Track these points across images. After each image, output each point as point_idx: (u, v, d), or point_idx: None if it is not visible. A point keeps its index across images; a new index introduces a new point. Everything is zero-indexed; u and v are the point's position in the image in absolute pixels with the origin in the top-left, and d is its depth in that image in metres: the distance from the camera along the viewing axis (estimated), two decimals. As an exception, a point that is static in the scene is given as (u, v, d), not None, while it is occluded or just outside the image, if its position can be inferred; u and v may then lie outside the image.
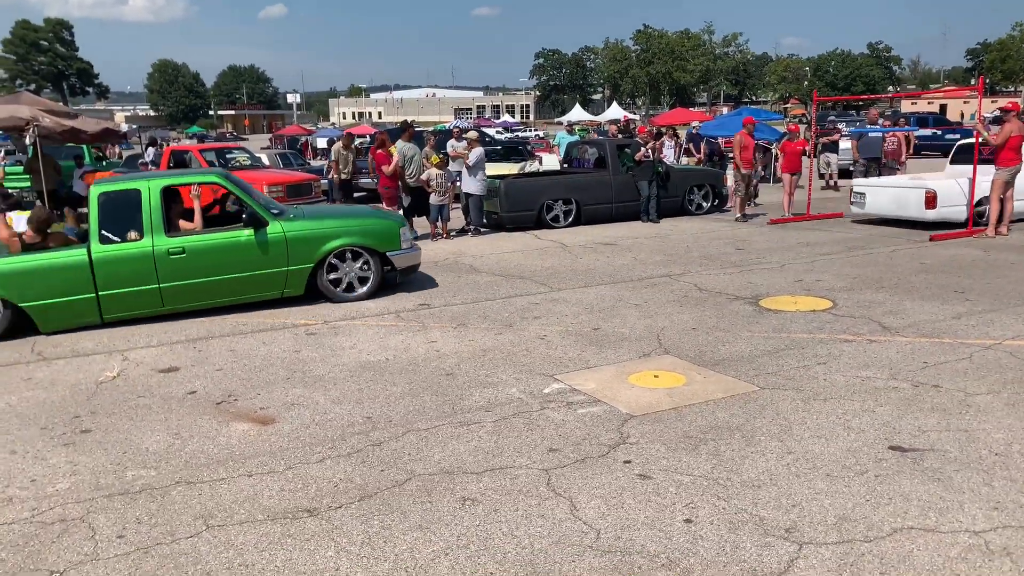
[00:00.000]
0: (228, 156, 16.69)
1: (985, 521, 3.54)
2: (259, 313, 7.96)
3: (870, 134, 16.57)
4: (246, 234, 8.00)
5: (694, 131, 19.73)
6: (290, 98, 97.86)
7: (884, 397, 5.10)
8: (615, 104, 76.25)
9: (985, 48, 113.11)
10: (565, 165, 16.31)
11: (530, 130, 58.94)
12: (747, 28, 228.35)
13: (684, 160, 19.17)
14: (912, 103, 65.02)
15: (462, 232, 13.22)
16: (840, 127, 21.65)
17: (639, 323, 7.17)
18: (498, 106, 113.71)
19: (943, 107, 57.22)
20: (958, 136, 28.12)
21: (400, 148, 12.31)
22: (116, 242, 7.64)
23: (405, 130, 12.87)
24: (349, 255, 8.41)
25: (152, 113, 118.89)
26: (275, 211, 8.32)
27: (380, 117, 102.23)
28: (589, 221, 13.86)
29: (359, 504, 3.88)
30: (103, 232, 7.59)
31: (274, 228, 8.07)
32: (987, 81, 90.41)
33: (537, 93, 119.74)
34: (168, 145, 20.57)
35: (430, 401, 5.27)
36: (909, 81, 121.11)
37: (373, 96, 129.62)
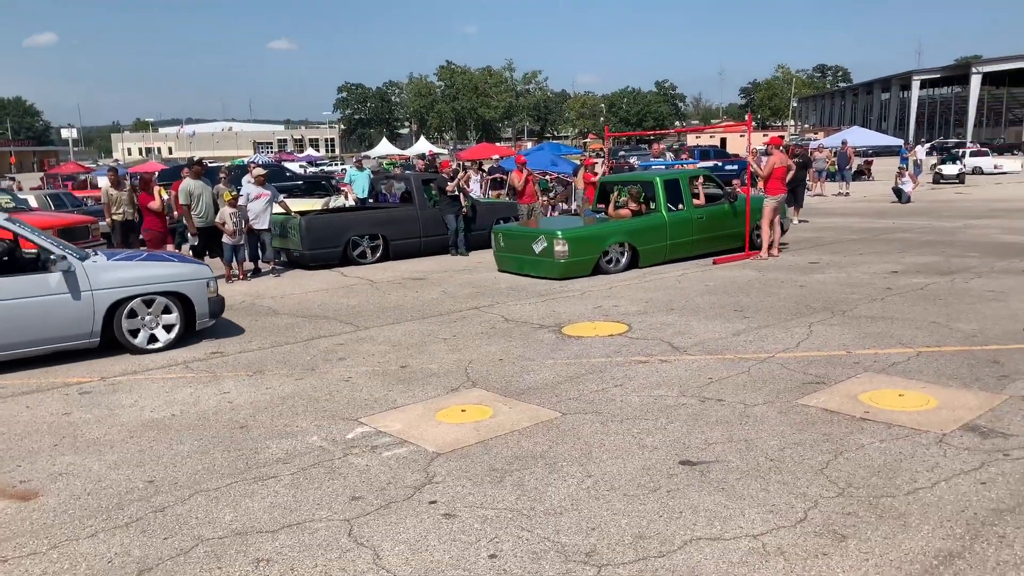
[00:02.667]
0: (-13, 198, 14.91)
1: (762, 524, 3.79)
2: (23, 373, 7.10)
3: (654, 167, 17.84)
4: (727, 208, 12.84)
5: (494, 166, 20.33)
6: (64, 133, 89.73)
7: (675, 414, 5.39)
8: (423, 138, 77.11)
9: (755, 87, 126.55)
10: (370, 200, 16.16)
11: (337, 163, 58.00)
12: (545, 66, 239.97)
13: (491, 194, 19.62)
14: (696, 137, 70.95)
15: (257, 272, 12.63)
16: (631, 161, 23.13)
17: (448, 357, 7.14)
18: (301, 139, 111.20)
19: (723, 140, 62.91)
20: (736, 167, 31.02)
21: (185, 186, 11.59)
22: (672, 211, 12.18)
23: (192, 167, 12.16)
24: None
25: None
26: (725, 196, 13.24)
27: (171, 152, 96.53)
28: (397, 256, 13.77)
29: (137, 581, 3.50)
30: (668, 204, 12.15)
31: (736, 205, 12.93)
32: (757, 117, 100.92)
33: (342, 127, 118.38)
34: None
35: (221, 458, 4.90)
36: (693, 116, 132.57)
37: (162, 131, 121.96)
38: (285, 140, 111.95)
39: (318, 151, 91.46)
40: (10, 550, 3.81)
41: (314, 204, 17.29)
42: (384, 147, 70.16)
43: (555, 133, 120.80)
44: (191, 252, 12.17)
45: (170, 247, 11.49)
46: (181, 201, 11.57)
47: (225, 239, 11.66)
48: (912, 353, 6.67)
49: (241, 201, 12.07)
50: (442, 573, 3.46)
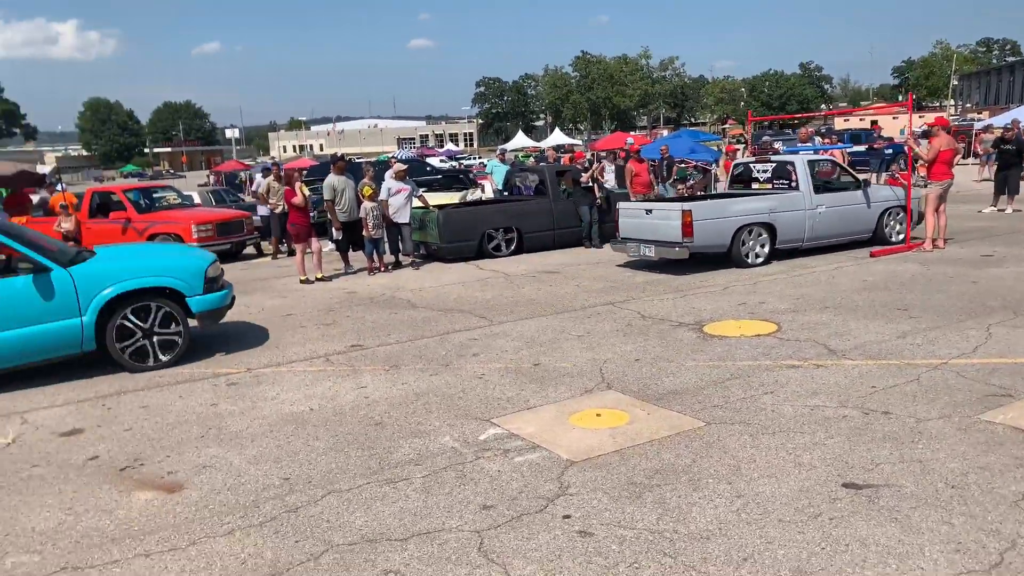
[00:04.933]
0: (155, 196, 16.03)
1: (948, 566, 3.29)
2: (180, 364, 7.43)
3: (801, 152, 16.72)
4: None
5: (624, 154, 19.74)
6: (228, 133, 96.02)
7: (834, 427, 4.87)
8: (558, 130, 76.99)
9: (909, 66, 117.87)
10: (505, 193, 16.10)
11: (474, 158, 58.82)
12: (682, 52, 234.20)
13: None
14: (845, 120, 66.81)
15: (398, 265, 12.84)
16: (776, 146, 21.94)
17: (581, 356, 6.88)
18: (441, 135, 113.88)
19: (874, 123, 58.85)
20: (889, 151, 28.85)
21: (329, 181, 11.91)
22: None
23: (335, 163, 12.50)
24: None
25: (84, 153, 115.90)
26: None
27: (321, 149, 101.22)
28: (531, 249, 13.62)
29: (269, 584, 3.46)
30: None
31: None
32: (913, 98, 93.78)
33: (480, 121, 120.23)
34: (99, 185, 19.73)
35: (355, 456, 4.86)
36: (840, 99, 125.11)
37: (314, 128, 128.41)
38: (427, 135, 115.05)
39: (457, 145, 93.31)
40: (153, 544, 3.89)
41: (452, 198, 17.46)
42: (520, 139, 70.57)
43: (692, 120, 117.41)
44: (335, 246, 12.52)
45: (315, 242, 11.82)
46: (325, 196, 11.90)
47: (364, 233, 11.92)
48: (1120, 363, 5.77)
49: (382, 195, 12.31)
50: (577, 598, 3.21)
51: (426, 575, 3.45)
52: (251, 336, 8.41)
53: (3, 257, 6.91)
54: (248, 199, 20.45)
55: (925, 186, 11.96)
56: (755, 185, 12.26)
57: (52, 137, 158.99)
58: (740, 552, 3.48)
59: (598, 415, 5.38)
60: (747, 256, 10.99)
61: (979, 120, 46.04)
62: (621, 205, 12.00)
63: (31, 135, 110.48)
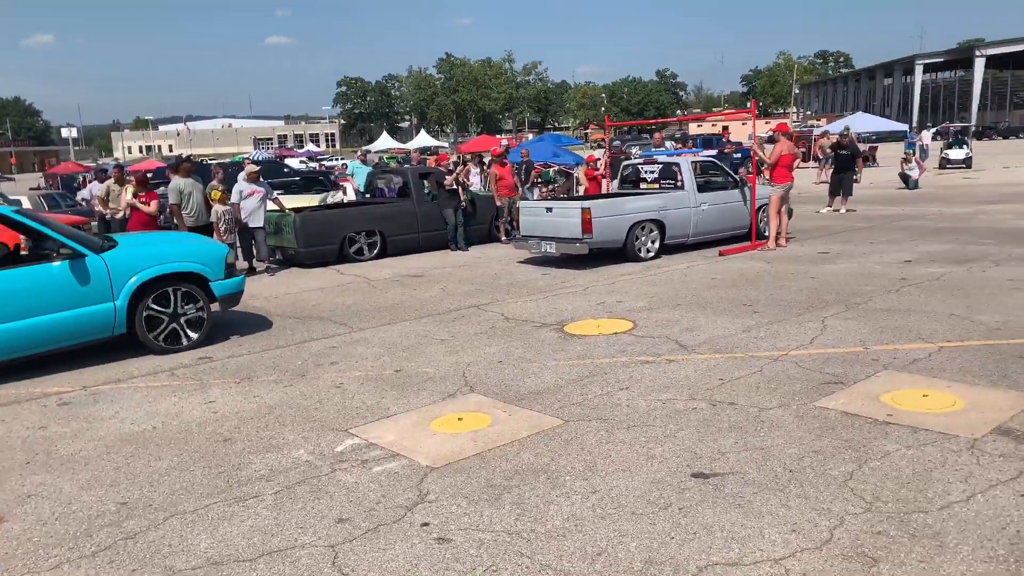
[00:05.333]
0: (-23, 199, 14.59)
1: (784, 546, 3.47)
2: (4, 384, 6.78)
3: (656, 156, 17.44)
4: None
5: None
6: (65, 132, 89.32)
7: (684, 420, 5.06)
8: (423, 132, 76.75)
9: (757, 75, 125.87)
10: (367, 195, 15.82)
11: (336, 159, 57.50)
12: (545, 57, 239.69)
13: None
14: (698, 125, 70.41)
15: (252, 272, 12.31)
16: (633, 151, 22.76)
17: (445, 360, 6.82)
18: (301, 135, 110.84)
19: (724, 129, 62.34)
20: (738, 156, 30.60)
21: (174, 185, 11.26)
22: None
23: (180, 165, 11.84)
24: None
25: None
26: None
27: (171, 150, 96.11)
28: (395, 253, 13.45)
29: (101, 620, 3.19)
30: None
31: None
32: (760, 105, 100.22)
33: (342, 121, 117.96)
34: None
35: (201, 475, 4.59)
36: (694, 105, 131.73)
37: (163, 128, 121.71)
38: (285, 136, 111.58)
39: (318, 146, 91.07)
40: (-36, 586, 3.50)
41: (311, 200, 16.96)
42: (385, 141, 69.78)
43: (556, 124, 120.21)
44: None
45: None
46: (171, 200, 11.24)
47: (216, 238, 11.35)
48: (933, 349, 6.33)
49: (234, 198, 11.77)
50: (434, 607, 3.15)
51: (275, 597, 3.29)
52: (87, 350, 7.76)
53: (39, 243, 7.22)
54: (83, 204, 19.03)
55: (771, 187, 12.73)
56: (643, 185, 12.89)
57: None
58: (594, 547, 3.54)
59: (460, 419, 5.34)
60: (640, 251, 11.54)
61: (818, 126, 49.70)
62: (522, 204, 12.60)
63: None
